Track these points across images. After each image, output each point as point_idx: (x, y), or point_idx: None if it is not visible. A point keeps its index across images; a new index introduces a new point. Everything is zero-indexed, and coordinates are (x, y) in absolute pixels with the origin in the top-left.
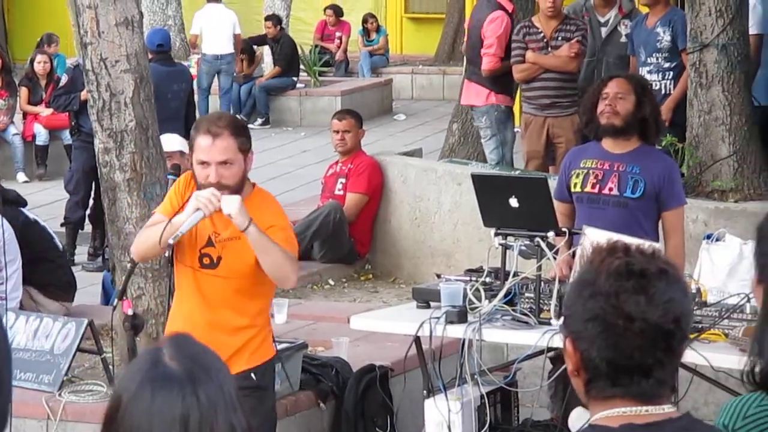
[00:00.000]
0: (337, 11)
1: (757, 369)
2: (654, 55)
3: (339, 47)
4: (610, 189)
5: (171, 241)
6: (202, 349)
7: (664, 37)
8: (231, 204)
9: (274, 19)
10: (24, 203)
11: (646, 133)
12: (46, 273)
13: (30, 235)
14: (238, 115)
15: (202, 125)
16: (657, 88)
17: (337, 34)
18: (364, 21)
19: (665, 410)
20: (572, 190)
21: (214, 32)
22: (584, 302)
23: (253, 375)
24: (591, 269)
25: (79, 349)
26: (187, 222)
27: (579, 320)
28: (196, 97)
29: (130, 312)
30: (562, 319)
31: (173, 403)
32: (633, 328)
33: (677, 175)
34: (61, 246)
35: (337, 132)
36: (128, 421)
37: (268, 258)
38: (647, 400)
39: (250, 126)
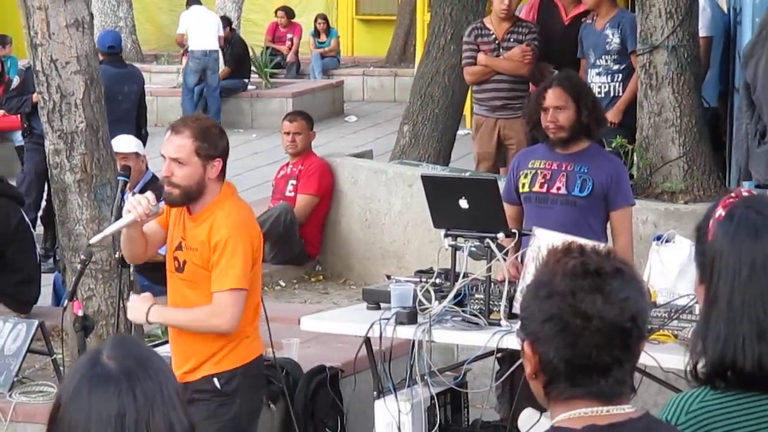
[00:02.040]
0: (289, 13)
1: (699, 365)
2: (603, 57)
3: (290, 49)
4: (558, 188)
5: (94, 240)
6: (143, 349)
7: (614, 39)
8: (129, 311)
9: (224, 21)
10: (23, 202)
11: (590, 133)
12: (15, 286)
13: (19, 237)
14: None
15: (174, 121)
16: (606, 90)
17: (289, 35)
18: (315, 22)
19: (626, 410)
20: (520, 190)
21: (201, 30)
22: (540, 303)
23: (216, 380)
24: (546, 270)
25: (29, 350)
26: (116, 223)
27: (536, 321)
28: (144, 99)
29: (80, 313)
30: (519, 322)
31: (109, 400)
32: (590, 327)
33: (625, 175)
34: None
35: (288, 134)
36: (67, 421)
37: (186, 329)
38: (608, 400)
39: None
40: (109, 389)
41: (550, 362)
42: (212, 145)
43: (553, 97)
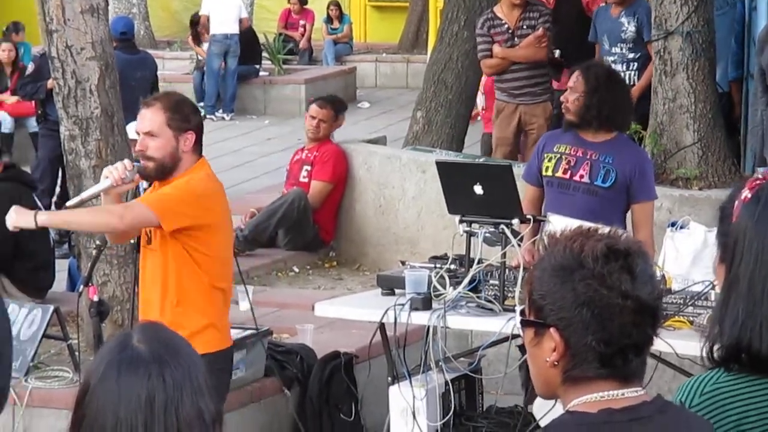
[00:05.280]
0: None
1: (716, 347)
2: (618, 45)
3: (303, 35)
4: (581, 176)
5: (70, 203)
6: (172, 335)
7: (629, 28)
8: (8, 218)
9: None
10: (36, 188)
11: (614, 123)
12: (30, 272)
13: None
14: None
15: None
16: None
17: (301, 22)
18: (328, 8)
19: (639, 393)
20: (544, 173)
21: (223, 13)
22: (573, 288)
23: None
24: (571, 254)
25: (45, 336)
26: (94, 187)
27: (568, 307)
28: (157, 85)
29: (95, 298)
30: (531, 312)
31: (139, 384)
32: (628, 307)
33: (650, 168)
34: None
35: (314, 118)
36: (95, 404)
37: (79, 227)
38: (626, 382)
39: (212, 117)
40: (139, 372)
41: (584, 346)
42: (183, 118)
43: (572, 78)
